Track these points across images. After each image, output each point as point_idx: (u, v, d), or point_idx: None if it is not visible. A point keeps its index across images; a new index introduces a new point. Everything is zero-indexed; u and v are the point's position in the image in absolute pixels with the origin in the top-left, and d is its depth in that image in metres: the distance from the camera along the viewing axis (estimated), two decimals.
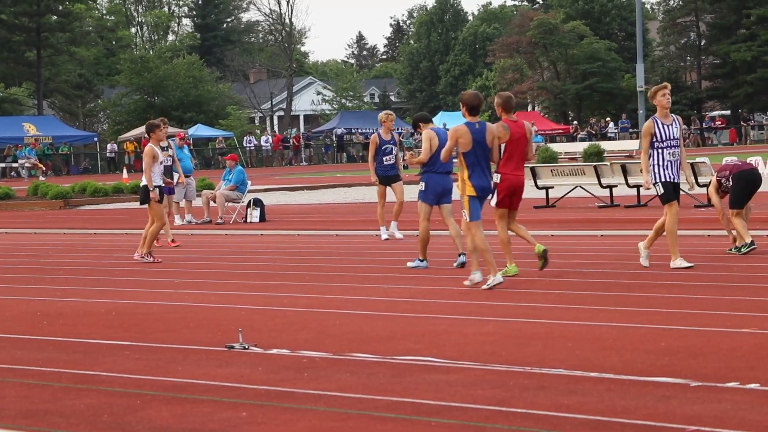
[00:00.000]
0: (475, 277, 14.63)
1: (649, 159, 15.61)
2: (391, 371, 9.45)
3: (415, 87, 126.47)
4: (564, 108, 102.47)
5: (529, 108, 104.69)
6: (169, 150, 23.38)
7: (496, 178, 15.07)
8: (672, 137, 15.52)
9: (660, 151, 15.54)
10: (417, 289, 15.00)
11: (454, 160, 16.13)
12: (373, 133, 21.00)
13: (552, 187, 30.35)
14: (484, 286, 14.39)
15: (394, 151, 21.64)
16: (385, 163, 21.53)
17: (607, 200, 29.13)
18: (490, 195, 15.08)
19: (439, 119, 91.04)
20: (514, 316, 12.31)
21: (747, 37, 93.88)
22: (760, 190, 18.00)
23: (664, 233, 15.79)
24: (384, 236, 21.83)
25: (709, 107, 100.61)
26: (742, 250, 17.09)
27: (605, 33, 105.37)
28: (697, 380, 8.53)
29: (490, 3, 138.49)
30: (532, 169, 30.72)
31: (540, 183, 30.28)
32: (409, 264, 17.04)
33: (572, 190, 30.59)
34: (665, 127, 15.55)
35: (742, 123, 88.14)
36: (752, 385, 8.31)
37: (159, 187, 20.03)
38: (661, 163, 15.54)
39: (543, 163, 32.95)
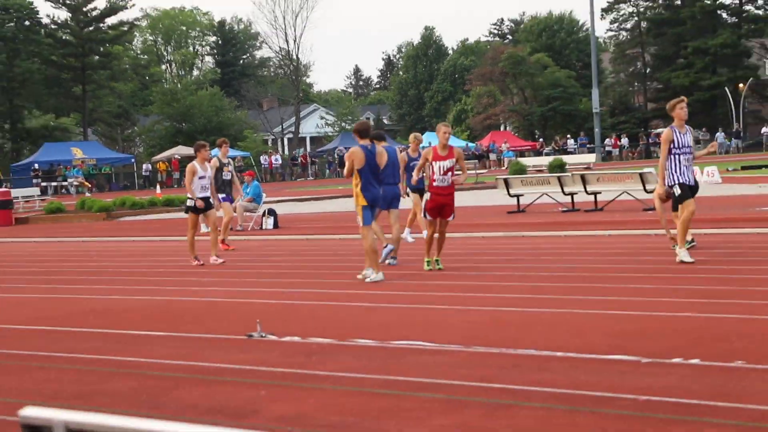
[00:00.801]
0: (373, 274, 15.26)
1: (667, 164, 15.36)
2: (387, 354, 9.44)
3: (404, 111, 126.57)
4: (531, 127, 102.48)
5: (502, 128, 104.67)
6: (230, 166, 23.37)
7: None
8: (687, 144, 15.28)
9: (677, 157, 15.28)
10: (410, 284, 14.98)
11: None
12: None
13: (522, 195, 30.37)
14: (362, 278, 15.35)
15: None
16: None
17: (570, 205, 29.14)
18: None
19: (427, 138, 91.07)
20: (493, 305, 12.29)
21: (685, 65, 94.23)
22: (696, 195, 17.96)
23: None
24: (410, 239, 21.93)
25: (654, 125, 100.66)
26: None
27: (565, 63, 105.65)
28: (647, 357, 8.52)
29: (468, 39, 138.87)
30: (506, 180, 30.76)
31: (512, 191, 30.30)
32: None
33: (539, 197, 30.62)
34: (681, 135, 15.30)
35: None
36: (693, 361, 8.30)
37: (203, 198, 19.65)
38: (677, 167, 15.29)
39: (514, 174, 32.92)
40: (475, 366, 8.67)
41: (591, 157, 68.90)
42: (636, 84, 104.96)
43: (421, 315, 11.93)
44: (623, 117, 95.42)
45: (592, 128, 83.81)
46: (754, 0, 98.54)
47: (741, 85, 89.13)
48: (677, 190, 15.26)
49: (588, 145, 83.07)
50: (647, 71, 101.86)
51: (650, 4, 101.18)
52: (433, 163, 16.10)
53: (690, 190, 15.33)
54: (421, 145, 20.97)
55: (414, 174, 17.76)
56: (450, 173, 16.22)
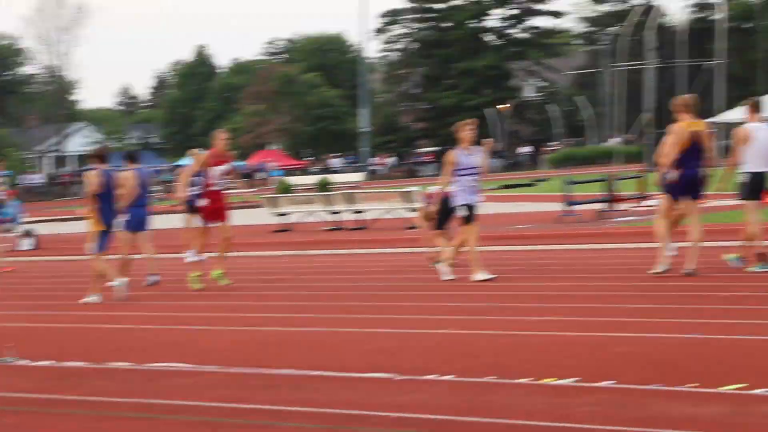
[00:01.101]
0: (93, 297, 15.23)
1: (454, 185, 15.30)
2: (144, 377, 9.29)
3: (173, 130, 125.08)
4: (301, 146, 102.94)
5: (271, 147, 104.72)
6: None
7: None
8: (473, 165, 15.25)
9: (463, 178, 15.22)
10: (169, 305, 14.85)
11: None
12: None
13: (289, 214, 30.44)
14: (82, 300, 15.24)
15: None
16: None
17: (336, 224, 29.38)
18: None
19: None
20: (252, 325, 12.26)
21: (451, 86, 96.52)
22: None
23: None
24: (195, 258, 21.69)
25: (420, 145, 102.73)
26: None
27: (337, 83, 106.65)
28: (403, 374, 8.64)
29: (240, 57, 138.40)
30: (272, 199, 30.82)
31: (278, 210, 30.34)
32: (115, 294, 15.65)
33: (306, 216, 30.75)
34: (467, 156, 15.28)
35: None
36: (447, 377, 8.45)
37: None
38: (464, 188, 15.24)
39: (281, 193, 33.02)
40: (233, 387, 8.62)
41: (358, 176, 69.73)
42: (404, 104, 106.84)
43: (180, 336, 11.80)
44: (391, 136, 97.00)
45: (360, 147, 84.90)
46: (516, 24, 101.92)
47: (503, 105, 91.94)
48: (464, 212, 15.25)
49: (355, 164, 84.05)
50: (416, 91, 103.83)
51: (420, 26, 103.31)
52: (210, 168, 16.28)
53: (470, 210, 15.32)
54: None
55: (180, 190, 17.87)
56: (224, 178, 16.44)
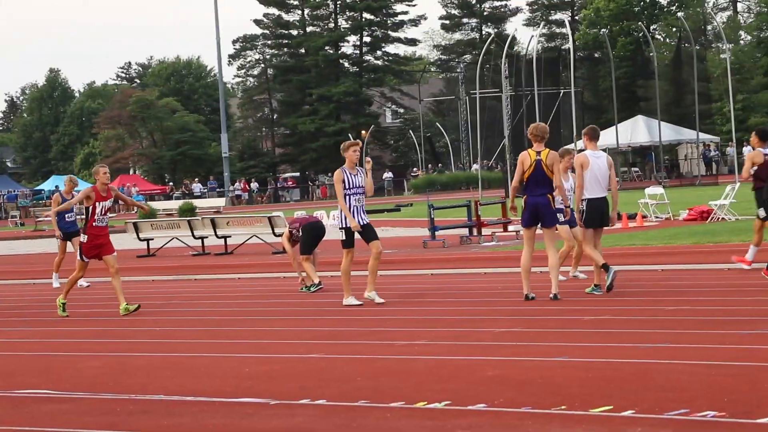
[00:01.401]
0: None
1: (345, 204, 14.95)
2: (11, 403, 9.10)
3: (29, 154, 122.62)
4: (161, 171, 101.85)
5: (131, 172, 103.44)
6: None
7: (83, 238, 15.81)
8: (358, 185, 15.01)
9: (348, 198, 14.94)
10: (34, 331, 14.54)
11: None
12: None
13: (152, 239, 30.09)
14: None
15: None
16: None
17: (200, 249, 29.14)
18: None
19: (52, 182, 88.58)
20: (120, 351, 12.09)
21: (311, 111, 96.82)
22: (325, 238, 18.47)
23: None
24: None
25: (282, 170, 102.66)
26: (311, 289, 17.45)
27: (194, 108, 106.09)
28: (275, 399, 8.61)
29: (95, 81, 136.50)
30: (135, 224, 30.41)
31: (142, 236, 29.96)
32: None
33: (170, 241, 30.44)
34: (353, 176, 15.04)
35: (309, 183, 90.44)
36: (320, 401, 8.45)
37: None
38: (349, 208, 14.90)
39: (144, 218, 32.60)
40: (102, 413, 8.48)
41: (221, 201, 69.33)
42: (264, 129, 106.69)
43: (46, 362, 11.57)
44: (252, 161, 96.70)
45: (221, 172, 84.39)
46: (373, 51, 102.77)
47: (363, 131, 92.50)
48: (342, 235, 15.05)
49: (218, 189, 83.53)
50: (275, 117, 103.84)
51: (276, 52, 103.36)
52: (96, 203, 15.70)
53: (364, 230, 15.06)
54: (75, 188, 20.70)
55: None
56: (108, 213, 15.98)
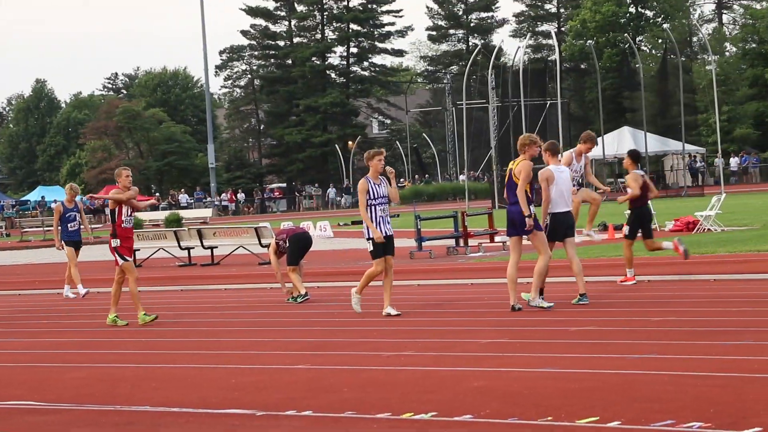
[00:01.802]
0: None
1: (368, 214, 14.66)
2: None
3: (15, 165, 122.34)
4: (148, 182, 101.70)
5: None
6: None
7: None
8: (382, 195, 14.70)
9: (373, 208, 14.65)
10: (16, 342, 14.49)
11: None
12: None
13: (138, 250, 30.00)
14: None
15: None
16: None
17: (186, 260, 29.10)
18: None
19: (38, 193, 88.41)
20: (105, 362, 12.06)
21: (297, 122, 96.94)
22: (311, 249, 18.47)
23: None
24: (71, 295, 21.02)
25: (268, 180, 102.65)
26: (298, 300, 17.44)
27: (181, 119, 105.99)
28: (262, 410, 8.60)
29: (81, 92, 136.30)
30: None
31: None
32: None
33: (156, 252, 30.39)
34: (377, 186, 14.70)
35: (295, 193, 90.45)
36: (307, 412, 8.44)
37: None
38: (374, 219, 14.63)
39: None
40: (88, 425, 8.47)
41: (207, 212, 69.21)
42: (251, 140, 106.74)
43: (31, 373, 11.54)
44: (239, 172, 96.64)
45: (208, 183, 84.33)
46: (360, 62, 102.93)
47: (350, 142, 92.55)
48: (370, 246, 14.74)
49: (204, 200, 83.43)
50: (261, 127, 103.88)
51: (262, 63, 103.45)
52: (122, 205, 15.62)
53: (386, 242, 14.80)
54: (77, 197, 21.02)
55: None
56: (133, 214, 15.89)
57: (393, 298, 14.83)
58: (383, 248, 14.65)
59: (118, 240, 15.54)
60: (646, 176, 17.03)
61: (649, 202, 16.99)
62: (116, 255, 15.59)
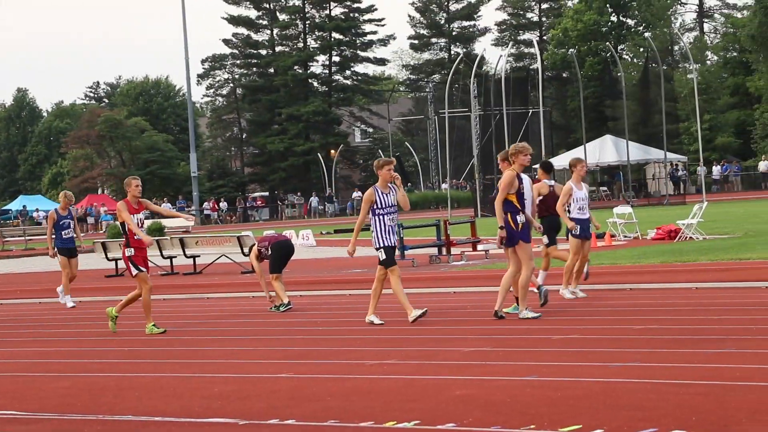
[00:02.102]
0: None
1: (374, 224, 14.56)
2: None
3: None
4: None
5: (99, 191, 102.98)
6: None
7: None
8: (391, 204, 14.51)
9: (381, 217, 14.41)
10: (1, 352, 14.42)
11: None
12: None
13: (120, 259, 29.92)
14: None
15: None
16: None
17: (169, 269, 29.05)
18: None
19: (20, 202, 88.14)
20: (88, 371, 12.02)
21: (280, 131, 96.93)
22: (293, 257, 18.46)
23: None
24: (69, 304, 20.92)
25: (251, 189, 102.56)
26: (281, 308, 17.42)
27: (163, 127, 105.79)
28: (245, 419, 8.59)
29: (63, 101, 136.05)
30: (103, 244, 30.27)
31: (110, 255, 29.82)
32: None
33: None
34: (385, 195, 14.49)
35: (278, 202, 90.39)
36: (289, 421, 8.44)
37: None
38: (383, 229, 14.46)
39: (112, 238, 32.47)
40: None
41: (189, 222, 68.99)
42: (233, 148, 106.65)
43: (13, 382, 11.51)
44: (221, 181, 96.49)
45: (191, 192, 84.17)
46: (342, 70, 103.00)
47: (333, 151, 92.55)
48: (381, 255, 14.60)
49: (187, 209, 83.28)
50: (243, 136, 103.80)
51: (245, 72, 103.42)
52: (132, 216, 15.55)
53: (394, 252, 14.83)
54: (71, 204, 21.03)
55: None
56: (143, 225, 15.82)
57: (378, 306, 14.83)
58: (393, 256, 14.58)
59: (132, 249, 15.48)
60: (554, 187, 16.91)
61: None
62: (130, 265, 15.54)
